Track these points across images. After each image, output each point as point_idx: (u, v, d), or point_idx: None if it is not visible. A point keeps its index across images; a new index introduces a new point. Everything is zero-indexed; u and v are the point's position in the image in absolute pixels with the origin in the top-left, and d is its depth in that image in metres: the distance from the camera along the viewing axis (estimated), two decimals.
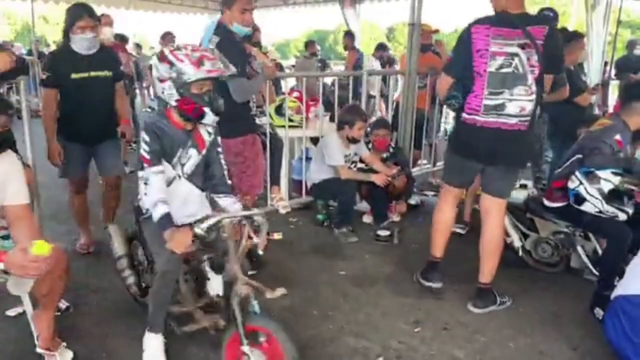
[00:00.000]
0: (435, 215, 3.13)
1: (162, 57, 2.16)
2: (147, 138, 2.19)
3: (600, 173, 2.97)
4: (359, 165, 4.40)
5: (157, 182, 2.19)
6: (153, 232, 2.26)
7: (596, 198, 2.98)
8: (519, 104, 2.65)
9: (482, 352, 2.60)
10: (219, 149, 2.44)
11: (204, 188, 2.45)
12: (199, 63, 2.11)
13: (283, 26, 38.89)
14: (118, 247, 2.68)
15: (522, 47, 2.60)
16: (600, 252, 3.22)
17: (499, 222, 2.92)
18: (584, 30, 6.42)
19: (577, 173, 3.06)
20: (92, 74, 3.26)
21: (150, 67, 2.29)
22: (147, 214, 2.29)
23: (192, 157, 2.35)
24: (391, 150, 4.56)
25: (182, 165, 2.33)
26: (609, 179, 2.94)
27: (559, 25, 4.96)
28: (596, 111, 5.75)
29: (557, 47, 2.71)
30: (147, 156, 2.19)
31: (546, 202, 3.32)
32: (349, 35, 9.08)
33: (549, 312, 3.02)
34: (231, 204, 2.34)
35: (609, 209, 2.97)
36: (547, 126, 4.48)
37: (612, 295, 2.38)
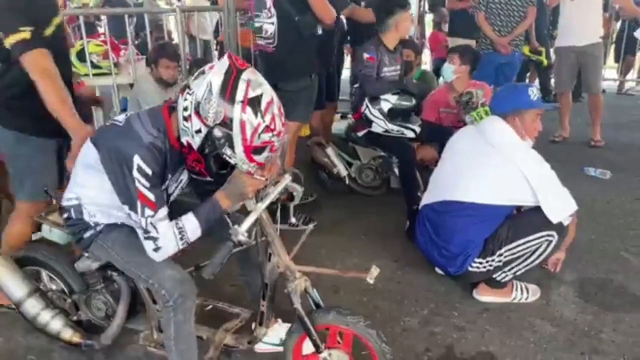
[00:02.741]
0: None
1: (242, 107, 1.44)
2: (146, 168, 1.49)
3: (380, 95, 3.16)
4: None
5: (168, 230, 1.55)
6: (126, 243, 1.69)
7: (379, 118, 3.18)
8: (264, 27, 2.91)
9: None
10: None
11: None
12: (259, 150, 1.50)
13: None
14: (15, 286, 1.99)
15: None
16: None
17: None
18: None
19: (365, 99, 3.23)
20: (56, 20, 2.04)
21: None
22: (97, 227, 1.73)
23: (182, 180, 1.80)
24: None
25: (169, 195, 1.74)
26: (387, 99, 3.15)
27: None
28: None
29: None
30: (151, 196, 1.51)
31: (357, 133, 3.46)
32: None
33: (375, 232, 3.20)
34: None
35: (394, 127, 3.21)
36: None
37: (420, 205, 2.55)
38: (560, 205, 2.19)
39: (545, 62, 6.98)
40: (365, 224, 3.30)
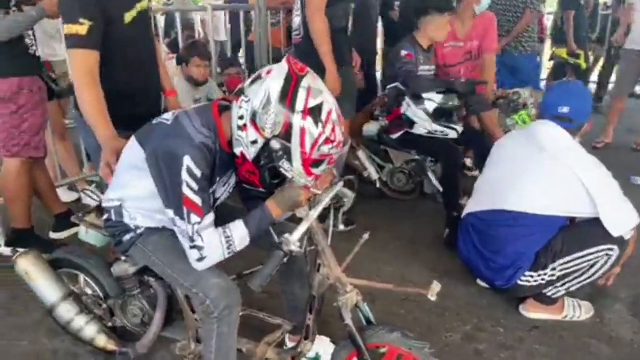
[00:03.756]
0: None
1: (302, 117, 1.31)
2: (196, 170, 1.37)
3: (424, 94, 3.00)
4: None
5: (214, 238, 1.44)
6: (168, 248, 1.58)
7: (423, 119, 3.02)
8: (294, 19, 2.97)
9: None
10: None
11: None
12: (318, 164, 1.39)
13: None
14: (49, 289, 1.88)
15: None
16: None
17: None
18: None
19: (406, 98, 3.07)
20: (139, 6, 1.97)
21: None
22: (137, 230, 1.63)
23: (230, 184, 1.67)
24: None
25: (216, 199, 1.61)
26: (432, 99, 2.99)
27: None
28: None
29: None
30: (198, 201, 1.39)
31: (390, 135, 3.31)
32: None
33: (408, 239, 3.06)
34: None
35: (438, 128, 3.04)
36: None
37: (463, 214, 2.40)
38: (622, 217, 2.02)
39: (583, 65, 6.72)
40: (398, 231, 3.16)
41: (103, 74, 1.83)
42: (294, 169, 1.38)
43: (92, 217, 1.87)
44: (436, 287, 1.50)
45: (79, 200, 3.60)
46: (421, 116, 2.99)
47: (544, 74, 8.08)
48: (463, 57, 3.43)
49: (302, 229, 1.42)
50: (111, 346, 1.92)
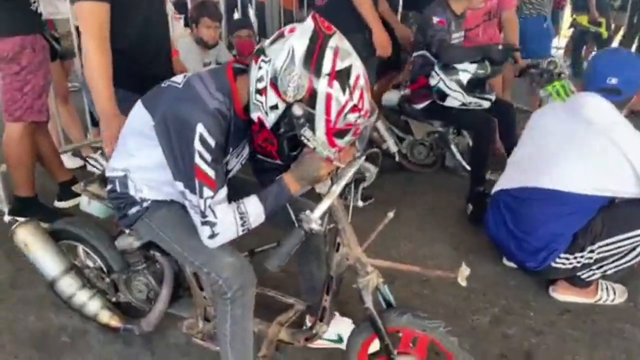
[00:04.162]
0: None
1: (329, 82, 1.17)
2: (210, 139, 1.24)
3: (457, 65, 2.81)
4: None
5: (228, 214, 1.32)
6: (177, 224, 1.47)
7: (456, 91, 2.83)
8: None
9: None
10: None
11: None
12: (343, 134, 1.26)
13: None
14: (50, 262, 1.78)
15: None
16: None
17: None
18: None
19: (435, 69, 2.87)
20: None
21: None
22: (144, 203, 1.50)
23: (244, 155, 1.54)
24: None
25: (228, 171, 1.48)
26: (466, 69, 2.80)
27: None
28: None
29: None
30: (211, 174, 1.27)
31: (413, 105, 3.14)
32: None
33: (428, 214, 2.94)
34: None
35: (471, 100, 2.86)
36: None
37: (493, 190, 2.26)
38: None
39: (605, 34, 6.46)
40: (417, 205, 3.03)
41: (113, 30, 1.68)
42: (316, 139, 1.24)
43: (94, 187, 1.73)
44: (465, 270, 1.37)
45: (84, 166, 3.46)
46: (455, 88, 2.80)
47: (563, 42, 7.83)
48: (482, 18, 3.23)
49: (323, 205, 1.28)
50: (115, 322, 1.83)
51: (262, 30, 5.08)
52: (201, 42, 3.42)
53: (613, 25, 6.88)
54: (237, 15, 4.95)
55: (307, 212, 1.26)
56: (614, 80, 1.96)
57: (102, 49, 1.67)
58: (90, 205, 1.76)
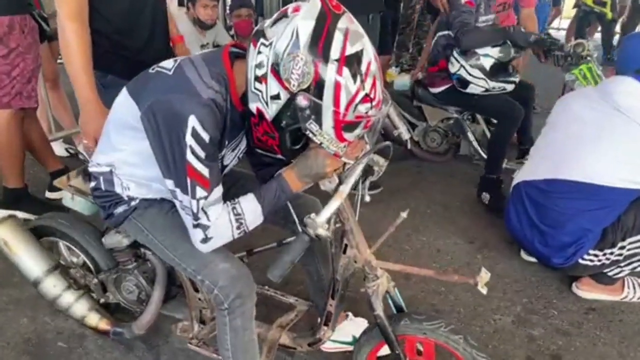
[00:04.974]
0: None
1: (338, 68, 1.01)
2: (203, 133, 1.10)
3: (478, 50, 2.65)
4: None
5: (222, 216, 1.19)
6: (168, 226, 1.34)
7: (479, 77, 2.68)
8: None
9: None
10: None
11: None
12: (352, 127, 1.10)
13: None
14: (32, 262, 1.65)
15: None
16: (488, 134, 3.02)
17: None
18: None
19: (454, 54, 2.71)
20: None
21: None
22: (131, 201, 1.37)
23: (241, 149, 1.39)
24: None
25: (224, 166, 1.34)
26: (488, 54, 2.64)
27: None
28: None
29: None
30: (205, 172, 1.13)
31: (430, 89, 2.98)
32: None
33: (440, 205, 2.82)
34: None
35: (496, 85, 2.71)
36: None
37: (515, 181, 2.13)
38: None
39: (609, 15, 6.33)
40: (429, 195, 2.91)
41: (101, 10, 1.52)
42: (323, 133, 1.09)
43: (78, 182, 1.58)
44: (485, 275, 1.24)
45: (76, 154, 3.29)
46: (477, 75, 2.64)
47: (565, 23, 7.67)
48: (496, 9, 3.06)
49: (330, 208, 1.13)
50: (104, 325, 1.71)
51: (259, 9, 4.87)
52: (198, 22, 3.24)
53: (618, 7, 6.73)
54: None
55: (313, 215, 1.12)
56: None
57: (82, 31, 1.51)
58: (73, 200, 1.60)
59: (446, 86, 2.86)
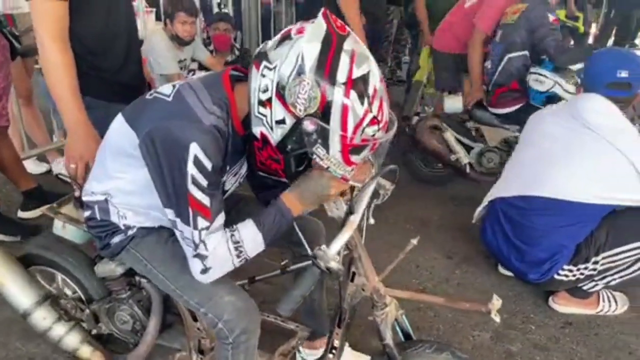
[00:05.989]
0: None
1: (345, 91, 1.00)
2: (205, 161, 1.06)
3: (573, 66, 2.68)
4: (199, 73, 3.63)
5: (221, 245, 1.14)
6: (168, 256, 1.28)
7: (574, 93, 2.66)
8: None
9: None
10: None
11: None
12: (359, 150, 1.08)
13: None
14: (20, 293, 1.55)
15: None
16: None
17: None
18: None
19: (545, 72, 2.70)
20: None
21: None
22: (128, 230, 1.31)
23: (241, 174, 1.34)
24: (236, 52, 3.84)
25: (224, 192, 1.29)
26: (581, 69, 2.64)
27: None
28: None
29: None
30: (206, 201, 1.09)
31: (493, 110, 2.93)
32: None
33: (418, 220, 2.84)
34: None
35: None
36: None
37: (489, 197, 2.16)
38: None
39: (581, 29, 6.47)
40: (408, 211, 2.93)
41: (74, 29, 1.48)
42: (330, 157, 1.06)
43: (69, 209, 1.53)
44: (497, 302, 1.24)
45: (49, 172, 3.23)
46: (572, 91, 2.63)
47: None
48: None
49: (342, 239, 1.10)
50: (97, 358, 1.64)
51: (239, 25, 4.88)
52: (176, 38, 3.22)
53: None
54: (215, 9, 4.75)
55: (324, 247, 1.08)
56: (624, 74, 1.88)
57: (65, 50, 1.46)
58: (65, 229, 1.55)
59: (518, 105, 2.83)
